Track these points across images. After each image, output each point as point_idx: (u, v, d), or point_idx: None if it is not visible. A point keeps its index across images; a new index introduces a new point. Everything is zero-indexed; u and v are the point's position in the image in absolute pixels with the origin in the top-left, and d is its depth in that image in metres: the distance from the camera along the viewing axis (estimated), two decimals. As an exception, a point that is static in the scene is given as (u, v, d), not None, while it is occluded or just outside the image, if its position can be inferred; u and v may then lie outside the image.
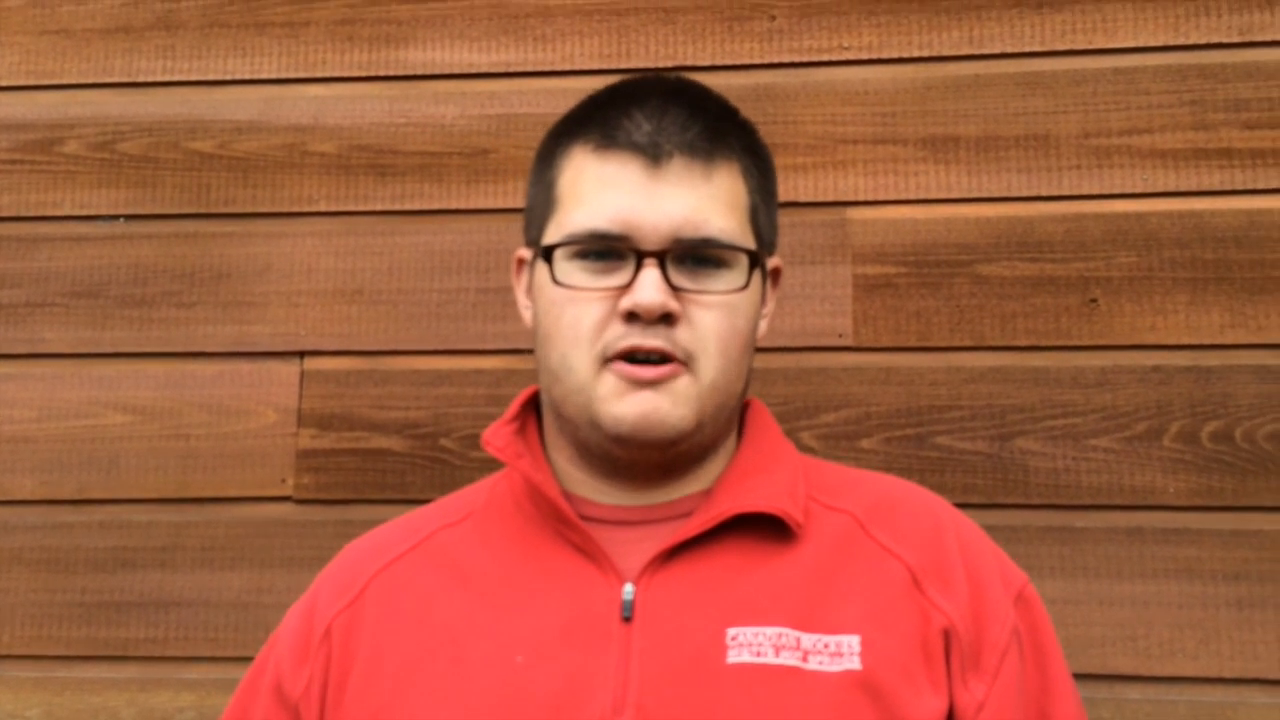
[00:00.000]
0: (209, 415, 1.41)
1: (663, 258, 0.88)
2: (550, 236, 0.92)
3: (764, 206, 0.96)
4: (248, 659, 1.31)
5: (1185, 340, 1.32)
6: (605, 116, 0.92)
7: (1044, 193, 1.37)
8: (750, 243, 0.92)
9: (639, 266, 0.87)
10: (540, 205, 0.95)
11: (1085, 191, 1.36)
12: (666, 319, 0.87)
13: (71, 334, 1.44)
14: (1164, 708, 1.25)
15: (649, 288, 0.86)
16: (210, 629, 1.35)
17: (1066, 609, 1.27)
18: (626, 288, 0.87)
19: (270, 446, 1.39)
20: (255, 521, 1.38)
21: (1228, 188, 1.34)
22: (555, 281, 0.90)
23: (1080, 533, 1.29)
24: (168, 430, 1.41)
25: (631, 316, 0.87)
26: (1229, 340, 1.31)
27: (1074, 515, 1.30)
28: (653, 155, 0.89)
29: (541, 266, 0.92)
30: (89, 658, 1.36)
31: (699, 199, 0.89)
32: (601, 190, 0.89)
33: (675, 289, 0.88)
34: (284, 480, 1.38)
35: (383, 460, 1.38)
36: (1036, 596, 0.94)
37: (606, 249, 0.89)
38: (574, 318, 0.89)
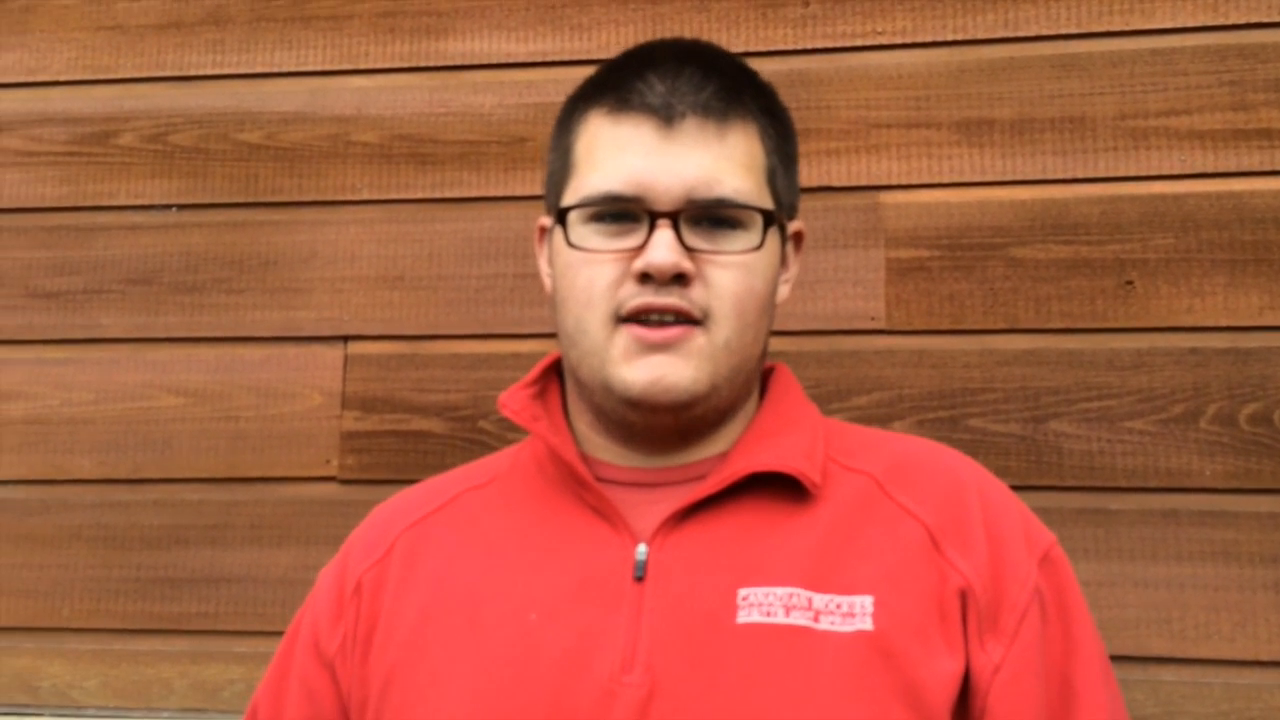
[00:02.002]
0: (257, 398, 1.45)
1: (676, 218, 0.88)
2: (567, 200, 0.93)
3: (782, 169, 0.96)
4: (294, 633, 1.36)
5: (1223, 322, 1.31)
6: (620, 80, 0.93)
7: (1079, 175, 1.36)
8: (767, 203, 0.92)
9: (652, 227, 0.88)
10: (558, 171, 0.96)
11: (1121, 173, 1.35)
12: (680, 279, 0.87)
13: (127, 320, 1.49)
14: (1199, 690, 1.24)
15: (661, 248, 0.87)
16: (259, 604, 1.40)
17: (1101, 591, 1.27)
18: (640, 249, 0.88)
19: (315, 428, 1.43)
20: (301, 501, 1.42)
21: (1267, 168, 1.33)
22: (570, 244, 0.91)
23: (1115, 515, 1.29)
24: (218, 412, 1.45)
25: (645, 277, 0.87)
26: (1268, 322, 1.30)
27: (1109, 497, 1.30)
28: (665, 116, 0.89)
29: (559, 230, 0.93)
30: (144, 631, 1.41)
31: (713, 159, 0.89)
32: (616, 153, 0.90)
33: (690, 249, 0.88)
34: (329, 461, 1.42)
35: (423, 442, 1.42)
36: (1064, 558, 0.92)
37: (621, 211, 0.89)
38: (588, 279, 0.89)
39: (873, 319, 1.37)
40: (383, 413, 1.43)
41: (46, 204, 1.52)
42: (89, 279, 1.50)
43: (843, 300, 1.38)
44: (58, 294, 1.50)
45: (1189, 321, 1.32)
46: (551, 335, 1.41)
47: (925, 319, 1.36)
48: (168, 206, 1.51)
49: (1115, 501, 1.29)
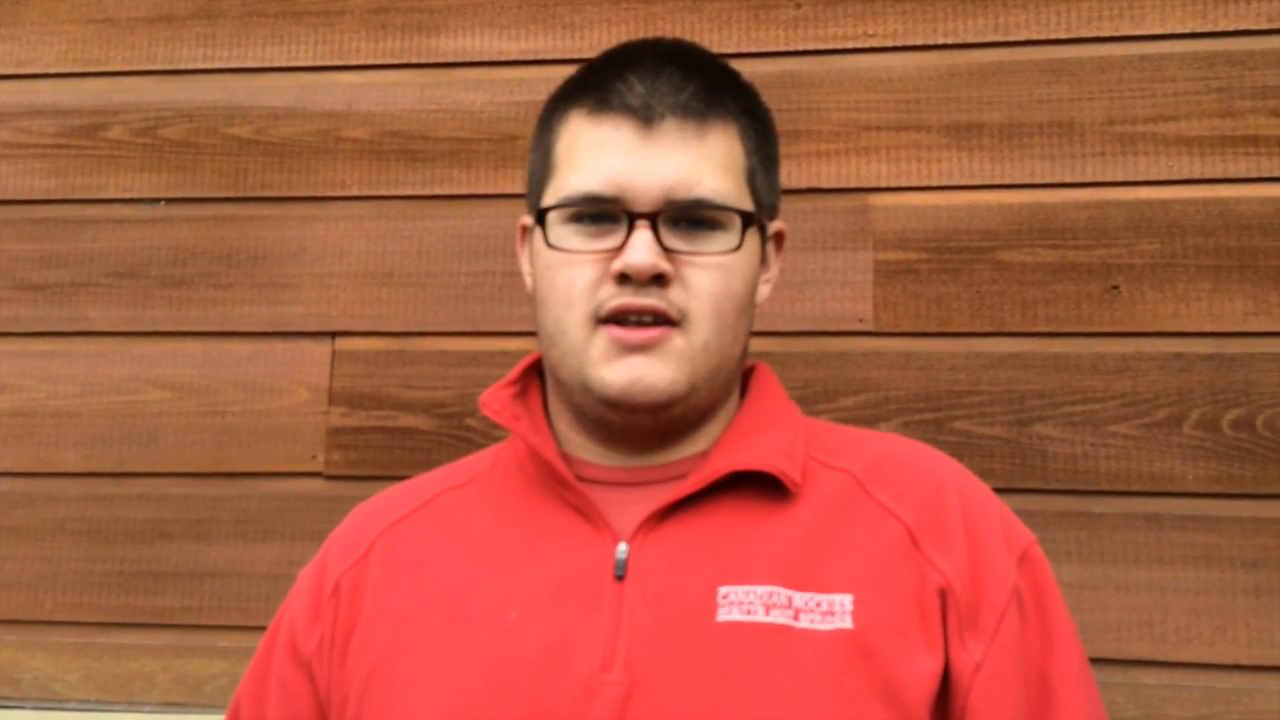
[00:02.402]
0: (244, 393, 1.45)
1: (655, 219, 0.88)
2: (546, 200, 0.93)
3: (763, 169, 0.96)
4: (278, 629, 1.36)
5: (1207, 328, 1.32)
6: (601, 80, 0.93)
7: (1068, 179, 1.37)
8: (747, 204, 0.92)
9: (631, 228, 0.88)
10: (539, 171, 0.96)
11: (1109, 178, 1.36)
12: (659, 280, 0.88)
13: (114, 313, 1.49)
14: (1179, 693, 1.25)
15: (640, 249, 0.87)
16: (243, 599, 1.40)
17: (1083, 594, 1.27)
18: (619, 250, 0.88)
19: (302, 424, 1.43)
20: (287, 496, 1.42)
21: (1254, 175, 1.34)
22: (549, 245, 0.91)
23: (1098, 518, 1.30)
24: (204, 407, 1.45)
25: (624, 278, 0.87)
26: (1252, 328, 1.31)
27: (1092, 500, 1.30)
28: (645, 117, 0.89)
29: (538, 230, 0.93)
30: (127, 625, 1.41)
31: (692, 160, 0.89)
32: (595, 153, 0.90)
33: (668, 250, 0.88)
34: (315, 456, 1.42)
35: (410, 438, 1.42)
36: (1042, 557, 0.92)
37: (600, 211, 0.90)
38: (567, 280, 0.90)
39: (860, 320, 1.38)
40: (370, 409, 1.43)
41: (35, 196, 1.52)
42: (76, 272, 1.50)
43: (831, 301, 1.38)
44: (45, 286, 1.50)
45: (1174, 327, 1.32)
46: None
47: (912, 321, 1.37)
48: (156, 200, 1.51)
49: (1098, 505, 1.30)
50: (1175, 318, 1.32)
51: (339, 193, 1.48)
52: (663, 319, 0.88)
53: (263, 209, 1.49)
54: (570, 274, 0.90)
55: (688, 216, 0.90)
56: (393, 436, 1.42)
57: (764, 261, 0.98)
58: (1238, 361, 1.31)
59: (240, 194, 1.50)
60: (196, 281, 1.48)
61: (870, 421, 1.35)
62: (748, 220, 0.91)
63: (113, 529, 1.43)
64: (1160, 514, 1.29)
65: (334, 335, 1.46)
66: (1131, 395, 1.32)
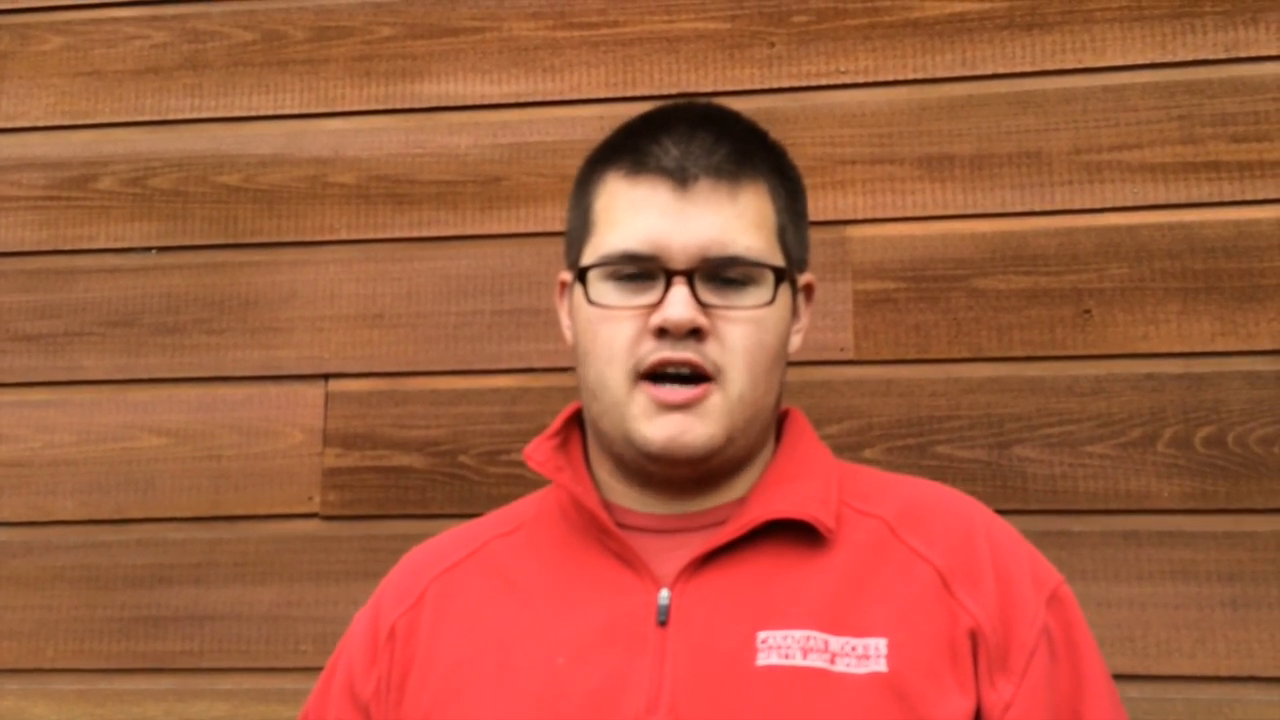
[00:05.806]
0: (239, 436, 1.47)
1: (691, 276, 0.92)
2: (586, 259, 0.97)
3: (792, 225, 1.00)
4: (279, 669, 1.39)
5: (1177, 348, 1.36)
6: (636, 143, 0.97)
7: (1037, 208, 1.41)
8: (778, 260, 0.96)
9: (668, 285, 0.92)
10: (578, 229, 1.00)
11: (1077, 206, 1.41)
12: (696, 334, 0.92)
13: (108, 361, 1.51)
14: (1162, 706, 1.28)
15: (677, 304, 0.91)
16: (243, 641, 1.41)
17: (1066, 611, 1.31)
18: (657, 305, 0.92)
19: (297, 466, 1.46)
20: (284, 538, 1.44)
21: (1216, 199, 1.38)
22: (590, 301, 0.95)
23: (1078, 537, 1.33)
24: (200, 451, 1.47)
25: (662, 333, 0.91)
26: (1220, 348, 1.35)
27: (1071, 520, 1.34)
28: (680, 179, 0.93)
29: (579, 287, 0.97)
30: (128, 670, 1.42)
31: (725, 219, 0.93)
32: (633, 213, 0.94)
33: (704, 305, 0.92)
34: (311, 498, 1.45)
35: (404, 477, 1.44)
36: (1071, 596, 0.96)
37: (638, 269, 0.93)
38: (608, 335, 0.94)
39: (842, 350, 1.41)
40: (364, 449, 1.46)
41: (26, 248, 1.54)
42: (70, 322, 1.52)
43: (813, 332, 1.41)
44: (39, 337, 1.52)
45: (1145, 348, 1.36)
46: (529, 370, 1.45)
47: (892, 349, 1.40)
48: (147, 249, 1.53)
49: (1077, 524, 1.34)
50: (1146, 339, 1.37)
51: (328, 237, 1.51)
52: (699, 373, 0.92)
53: (253, 255, 1.52)
54: (611, 329, 0.94)
55: (722, 273, 0.93)
56: (387, 476, 1.44)
57: (795, 313, 1.02)
58: (1207, 380, 1.35)
59: (230, 241, 1.52)
60: (189, 328, 1.50)
61: (854, 448, 1.38)
62: (779, 275, 0.95)
63: (112, 575, 1.45)
64: (1138, 531, 1.33)
65: (326, 377, 1.48)
66: (1106, 416, 1.36)
